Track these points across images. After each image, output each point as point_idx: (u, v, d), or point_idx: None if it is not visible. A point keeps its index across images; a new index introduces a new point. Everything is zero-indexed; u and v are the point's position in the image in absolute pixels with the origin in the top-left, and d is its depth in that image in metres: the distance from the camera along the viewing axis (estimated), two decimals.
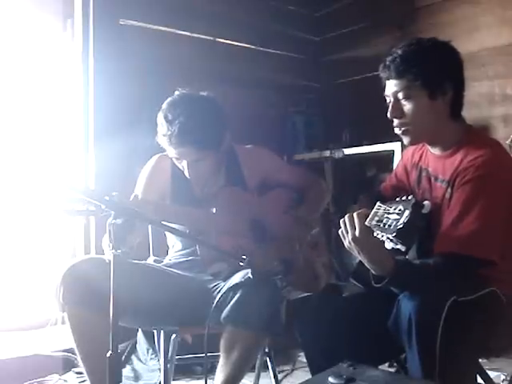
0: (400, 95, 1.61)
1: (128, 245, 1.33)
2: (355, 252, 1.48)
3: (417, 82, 1.57)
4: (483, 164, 1.53)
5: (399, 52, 1.60)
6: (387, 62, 1.61)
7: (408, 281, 1.49)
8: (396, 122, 1.64)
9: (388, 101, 1.66)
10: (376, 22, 3.58)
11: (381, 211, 1.44)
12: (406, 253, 1.47)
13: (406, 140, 1.67)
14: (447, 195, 1.60)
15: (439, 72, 1.59)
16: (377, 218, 1.43)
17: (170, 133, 1.84)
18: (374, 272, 1.49)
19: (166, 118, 1.87)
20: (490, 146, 1.61)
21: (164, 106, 1.91)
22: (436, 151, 1.69)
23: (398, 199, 1.44)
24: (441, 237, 1.53)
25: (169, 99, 1.91)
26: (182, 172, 2.00)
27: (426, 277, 1.49)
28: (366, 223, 1.45)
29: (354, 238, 1.46)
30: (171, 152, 1.90)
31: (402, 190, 1.82)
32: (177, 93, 1.93)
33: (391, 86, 1.62)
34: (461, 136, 1.64)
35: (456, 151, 1.62)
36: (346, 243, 1.49)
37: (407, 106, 1.60)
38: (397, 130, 1.66)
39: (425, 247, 1.56)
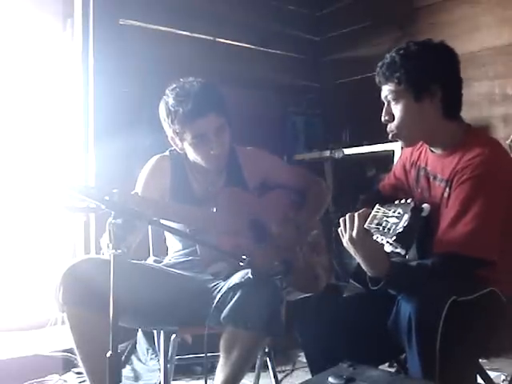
0: (390, 99, 1.65)
1: (126, 245, 1.33)
2: (351, 252, 1.49)
3: (400, 86, 1.61)
4: (481, 163, 1.53)
5: (387, 57, 1.64)
6: (377, 68, 1.66)
7: (404, 283, 1.49)
8: (388, 126, 1.68)
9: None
10: (376, 22, 3.58)
11: (380, 214, 1.44)
12: (405, 255, 1.47)
13: (401, 143, 1.71)
14: (445, 194, 1.60)
15: (423, 75, 1.60)
16: (376, 221, 1.43)
17: (188, 107, 1.84)
18: (369, 274, 1.49)
19: (177, 96, 1.87)
20: (489, 145, 1.61)
21: (168, 92, 1.91)
22: (435, 150, 1.69)
23: (396, 202, 1.44)
24: (439, 237, 1.53)
25: (170, 87, 1.92)
26: (183, 172, 2.00)
27: (422, 278, 1.49)
28: (366, 226, 1.45)
29: (351, 239, 1.47)
30: (191, 132, 1.87)
31: (400, 189, 1.82)
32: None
33: (383, 91, 1.67)
34: (460, 136, 1.64)
35: (455, 150, 1.62)
36: (344, 242, 1.50)
37: (396, 110, 1.64)
38: (389, 135, 1.69)
39: (425, 246, 1.56)
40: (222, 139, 1.91)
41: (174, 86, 1.92)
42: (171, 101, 1.88)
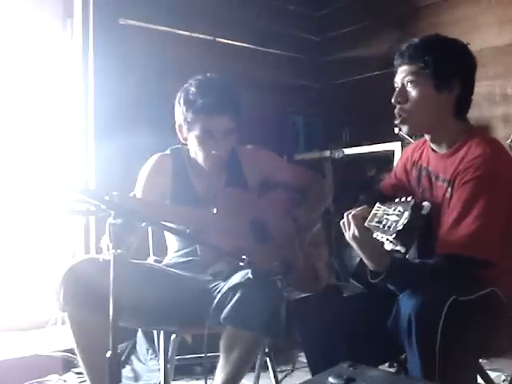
0: (408, 81, 1.62)
1: (125, 246, 1.33)
2: (354, 247, 1.50)
3: (426, 69, 1.59)
4: (483, 164, 1.53)
5: (417, 40, 1.63)
6: (403, 49, 1.64)
7: (404, 278, 1.50)
8: (397, 108, 1.65)
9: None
10: (376, 22, 3.58)
11: (380, 212, 1.45)
12: (405, 254, 1.47)
13: (404, 128, 1.68)
14: (447, 195, 1.60)
15: (450, 67, 1.60)
16: (376, 219, 1.44)
17: (207, 100, 1.85)
18: (370, 267, 1.50)
19: (200, 86, 1.88)
20: (491, 146, 1.60)
21: (191, 82, 1.92)
22: (437, 149, 1.69)
23: (397, 200, 1.44)
24: (441, 238, 1.53)
25: (194, 78, 1.93)
26: (184, 171, 2.00)
27: (422, 275, 1.50)
28: (366, 224, 1.45)
29: (350, 237, 1.48)
30: (201, 125, 1.88)
31: (401, 189, 1.82)
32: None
33: (401, 72, 1.64)
34: (462, 135, 1.64)
35: (457, 150, 1.62)
36: (346, 237, 1.52)
37: (412, 93, 1.62)
38: (396, 118, 1.66)
39: (425, 246, 1.56)
40: (226, 143, 1.92)
41: (200, 77, 1.94)
42: (193, 89, 1.89)
